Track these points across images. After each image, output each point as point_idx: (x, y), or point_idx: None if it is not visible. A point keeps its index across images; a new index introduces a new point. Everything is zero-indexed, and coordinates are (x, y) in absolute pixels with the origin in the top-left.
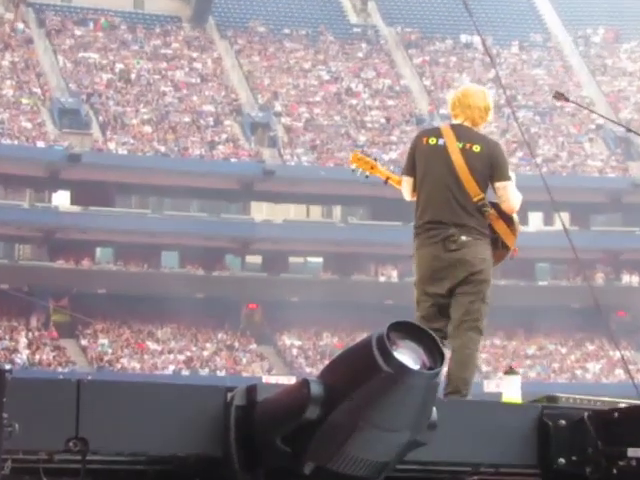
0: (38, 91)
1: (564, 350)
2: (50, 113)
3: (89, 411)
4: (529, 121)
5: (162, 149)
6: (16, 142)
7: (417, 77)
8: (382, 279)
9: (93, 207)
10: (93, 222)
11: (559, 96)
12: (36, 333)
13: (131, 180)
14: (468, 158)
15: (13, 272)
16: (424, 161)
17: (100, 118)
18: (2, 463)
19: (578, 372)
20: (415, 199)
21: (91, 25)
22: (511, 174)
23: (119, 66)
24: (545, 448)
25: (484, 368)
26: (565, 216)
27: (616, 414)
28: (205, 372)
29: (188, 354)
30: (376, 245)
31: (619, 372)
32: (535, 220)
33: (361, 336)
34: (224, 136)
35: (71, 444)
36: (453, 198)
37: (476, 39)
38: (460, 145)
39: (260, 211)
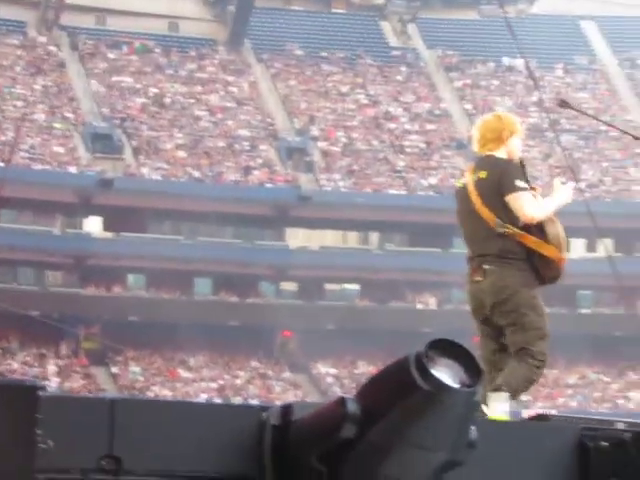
0: (71, 116)
1: (607, 379)
2: (82, 138)
3: (123, 430)
4: (572, 145)
5: (196, 174)
6: (48, 167)
7: (457, 101)
8: (419, 306)
9: (125, 233)
10: (125, 248)
11: (563, 104)
12: (66, 360)
13: (164, 206)
14: (479, 187)
15: (43, 299)
16: (457, 204)
17: (133, 143)
18: None
19: (620, 401)
20: None
21: (125, 49)
22: (522, 184)
23: (153, 90)
24: (585, 470)
25: (523, 397)
26: (609, 242)
27: None
28: (238, 401)
29: (221, 382)
30: (413, 272)
31: None
32: (578, 246)
33: None
34: (259, 161)
35: (104, 463)
36: (474, 231)
37: (519, 62)
38: (474, 177)
39: (296, 237)
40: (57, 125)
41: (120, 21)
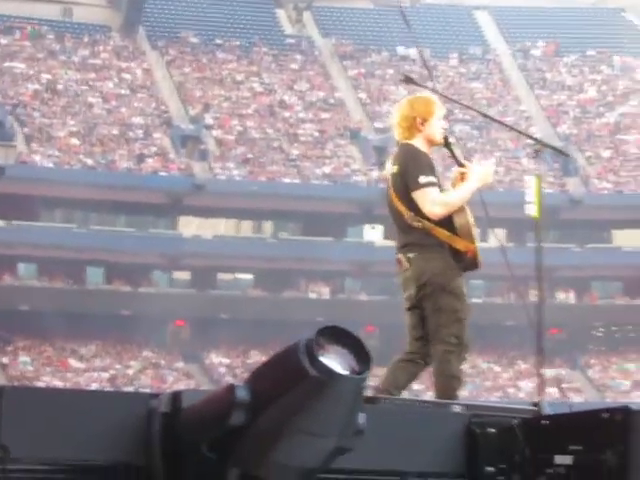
0: None
1: (497, 368)
2: None
3: (10, 418)
4: (466, 135)
5: (89, 162)
6: None
7: (352, 90)
8: (313, 296)
9: (16, 221)
10: (16, 237)
11: (408, 80)
12: None
13: (56, 194)
14: (393, 182)
15: None
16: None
17: (25, 130)
18: None
19: (511, 390)
20: None
21: (17, 34)
22: (425, 179)
23: (46, 76)
24: (473, 456)
25: (415, 386)
26: (501, 232)
27: (544, 422)
28: (130, 390)
29: (112, 372)
30: (307, 261)
31: (553, 390)
32: None
33: None
34: (153, 149)
35: None
36: (396, 223)
37: (413, 51)
38: (391, 169)
39: (189, 226)
40: None
41: (13, 6)
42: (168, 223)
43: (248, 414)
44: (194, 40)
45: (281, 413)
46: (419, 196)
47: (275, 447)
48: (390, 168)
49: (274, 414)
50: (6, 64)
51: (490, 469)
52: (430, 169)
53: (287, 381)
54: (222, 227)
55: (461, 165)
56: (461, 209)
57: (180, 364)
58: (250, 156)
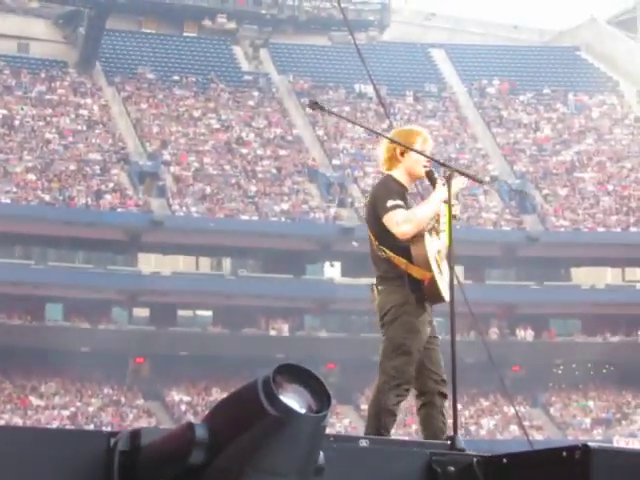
0: None
1: (458, 405)
2: None
3: None
4: None
5: (46, 198)
6: None
7: (309, 126)
8: (273, 333)
9: None
10: None
11: (314, 105)
12: None
13: (14, 230)
14: (365, 211)
15: None
16: None
17: None
18: None
19: (472, 428)
20: None
21: None
22: (392, 202)
23: (2, 112)
24: None
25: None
26: (459, 269)
27: (505, 460)
28: (90, 428)
29: (73, 409)
30: (266, 298)
31: (514, 428)
32: None
33: None
34: (111, 185)
35: None
36: (370, 254)
37: (370, 89)
38: (365, 201)
39: (148, 263)
40: None
41: None
42: (127, 259)
43: (207, 453)
44: (151, 76)
45: (240, 452)
46: (387, 220)
47: None
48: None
49: (233, 453)
50: None
51: None
52: (398, 195)
53: (245, 420)
54: (181, 264)
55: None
56: (419, 239)
57: (140, 401)
58: (208, 192)
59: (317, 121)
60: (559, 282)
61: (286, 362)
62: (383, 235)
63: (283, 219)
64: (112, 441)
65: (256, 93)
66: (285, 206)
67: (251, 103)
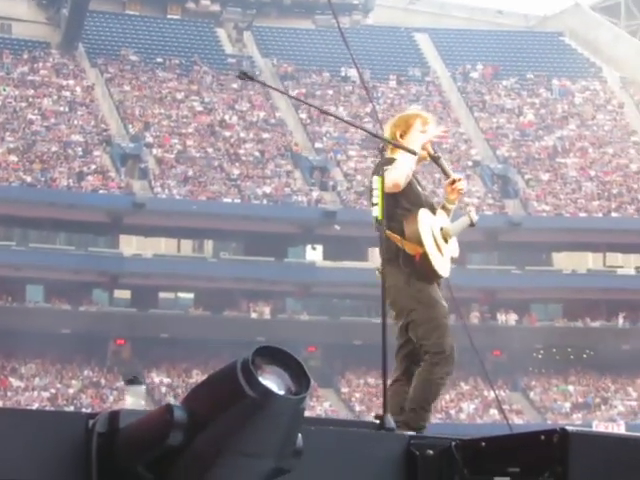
0: None
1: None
2: None
3: None
4: None
5: (28, 179)
6: None
7: (292, 110)
8: (254, 315)
9: None
10: None
11: (243, 76)
12: None
13: None
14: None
15: None
16: None
17: None
18: None
19: (452, 412)
20: None
21: None
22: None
23: None
24: (412, 478)
25: (357, 407)
26: None
27: (483, 443)
28: (70, 410)
29: (53, 391)
30: (248, 281)
31: (494, 412)
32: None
33: None
34: (93, 167)
35: None
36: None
37: (354, 72)
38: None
39: (130, 245)
40: None
41: None
42: (108, 241)
43: (185, 435)
44: (134, 58)
45: (218, 433)
46: (385, 181)
47: (212, 468)
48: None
49: (211, 434)
50: None
51: None
52: (391, 164)
53: (224, 401)
54: (162, 246)
55: (449, 177)
56: (412, 214)
57: (121, 383)
58: (190, 175)
59: (300, 104)
60: (540, 267)
61: (266, 344)
62: (390, 213)
63: (265, 202)
64: (91, 422)
65: None
66: (268, 189)
67: (234, 86)
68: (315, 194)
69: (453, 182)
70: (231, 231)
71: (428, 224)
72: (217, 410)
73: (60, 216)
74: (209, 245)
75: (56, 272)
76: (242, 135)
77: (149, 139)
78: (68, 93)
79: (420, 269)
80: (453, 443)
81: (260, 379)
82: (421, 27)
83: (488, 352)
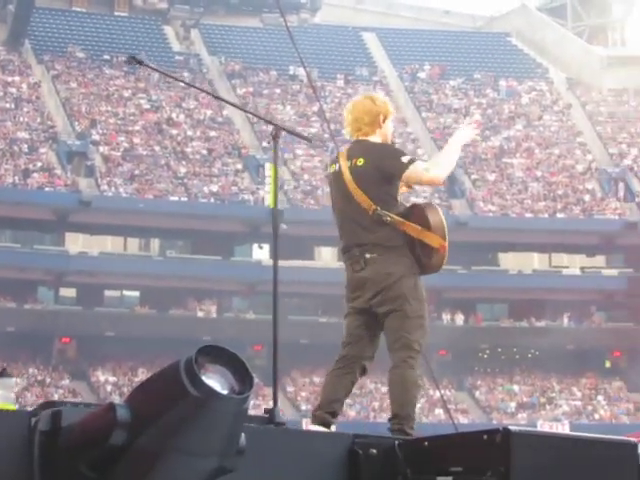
0: None
1: (384, 389)
2: None
3: None
4: None
5: None
6: None
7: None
8: (200, 314)
9: None
10: None
11: (132, 60)
12: None
13: None
14: (355, 174)
15: None
16: (331, 190)
17: None
18: None
19: None
20: None
21: None
22: (408, 158)
23: None
24: (355, 477)
25: (303, 406)
26: None
27: (426, 443)
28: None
29: None
30: (195, 279)
31: (439, 412)
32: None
33: None
34: (39, 164)
35: None
36: (352, 220)
37: (301, 71)
38: (349, 164)
39: (75, 242)
40: None
41: None
42: (54, 239)
43: (128, 433)
44: (81, 55)
45: (161, 432)
46: (412, 173)
47: (155, 467)
48: (347, 163)
49: (154, 433)
50: None
51: None
52: (403, 152)
53: (167, 400)
54: (109, 244)
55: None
56: (435, 208)
57: (66, 381)
58: (137, 173)
59: (247, 102)
60: (486, 267)
61: (210, 343)
62: (386, 199)
63: (212, 200)
64: (33, 421)
65: (187, 74)
66: (214, 187)
67: (181, 84)
68: (262, 193)
69: None
70: (178, 229)
71: None
72: (160, 409)
73: (6, 213)
74: (155, 243)
75: (1, 270)
76: (189, 133)
77: (95, 137)
78: (14, 89)
79: (434, 262)
80: (397, 442)
81: (203, 378)
82: (369, 26)
83: (434, 351)
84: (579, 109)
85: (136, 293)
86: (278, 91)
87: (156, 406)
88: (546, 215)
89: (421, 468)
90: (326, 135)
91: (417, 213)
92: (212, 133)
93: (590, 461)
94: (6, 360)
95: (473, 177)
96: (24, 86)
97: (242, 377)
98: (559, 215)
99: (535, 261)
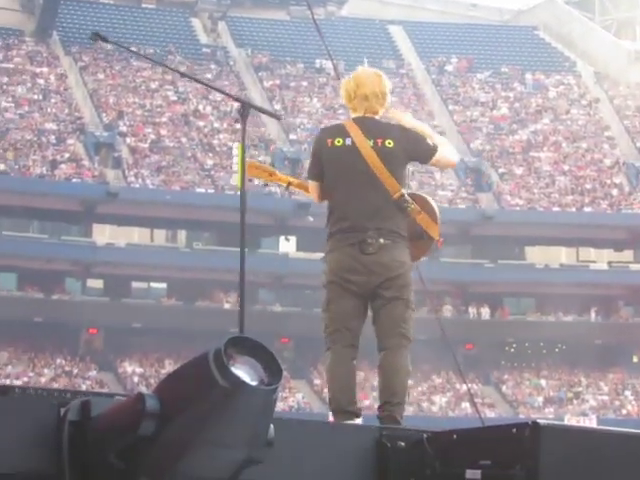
0: None
1: (410, 382)
2: None
3: None
4: None
5: (1, 167)
6: None
7: (266, 101)
8: (227, 306)
9: None
10: None
11: (96, 37)
12: None
13: None
14: (383, 155)
15: None
16: (334, 164)
17: None
18: None
19: (424, 404)
20: (327, 203)
21: None
22: (431, 142)
23: None
24: (383, 470)
25: None
26: None
27: (455, 436)
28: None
29: (25, 379)
30: (221, 271)
31: (466, 405)
32: None
33: None
34: (66, 155)
35: None
36: (371, 200)
37: (328, 64)
38: (371, 142)
39: (103, 234)
40: None
41: None
42: (81, 230)
43: (157, 424)
44: (108, 46)
45: (189, 423)
46: (441, 157)
47: (183, 458)
48: (368, 142)
49: (182, 424)
50: None
51: None
52: None
53: (196, 391)
54: (135, 235)
55: None
56: (427, 198)
57: (93, 372)
58: (164, 164)
59: (274, 95)
60: (513, 261)
61: (238, 334)
62: (404, 185)
63: (239, 192)
64: (62, 411)
65: (213, 66)
66: None
67: (209, 76)
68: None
69: None
70: (204, 221)
71: None
72: (189, 400)
73: (33, 204)
74: (182, 235)
75: (29, 260)
76: (216, 125)
77: (123, 128)
78: (42, 81)
79: (418, 254)
80: (425, 435)
81: (232, 369)
82: (395, 19)
83: (460, 345)
84: (606, 103)
85: (163, 285)
86: (305, 84)
87: (185, 397)
88: (573, 209)
89: (450, 461)
90: None
91: (421, 203)
92: (238, 125)
93: (620, 456)
94: (33, 350)
95: (500, 171)
96: (52, 77)
97: (271, 368)
98: (586, 209)
99: (562, 255)
